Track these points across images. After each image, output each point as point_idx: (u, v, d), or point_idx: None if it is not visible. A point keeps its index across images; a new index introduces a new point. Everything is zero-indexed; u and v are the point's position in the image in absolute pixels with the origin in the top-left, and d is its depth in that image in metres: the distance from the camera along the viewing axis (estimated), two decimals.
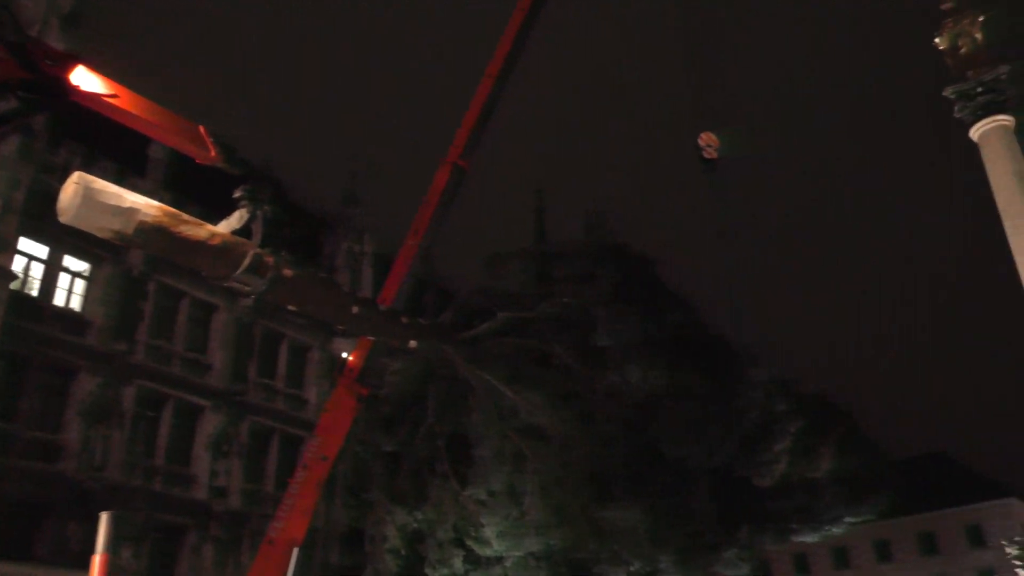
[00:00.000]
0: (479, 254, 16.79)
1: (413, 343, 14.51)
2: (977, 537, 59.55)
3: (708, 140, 20.48)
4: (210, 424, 26.84)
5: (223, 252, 9.98)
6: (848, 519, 18.23)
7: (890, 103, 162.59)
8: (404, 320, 14.77)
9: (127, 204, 8.60)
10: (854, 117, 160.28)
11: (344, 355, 16.74)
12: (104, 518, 9.87)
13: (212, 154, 10.23)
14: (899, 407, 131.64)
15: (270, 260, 10.82)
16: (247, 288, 12.72)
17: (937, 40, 25.18)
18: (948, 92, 24.68)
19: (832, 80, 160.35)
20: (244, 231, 10.67)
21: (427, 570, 14.74)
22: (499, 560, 14.41)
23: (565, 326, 14.09)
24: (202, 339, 27.72)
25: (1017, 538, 20.75)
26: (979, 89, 24.03)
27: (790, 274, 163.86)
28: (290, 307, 13.80)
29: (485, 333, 14.75)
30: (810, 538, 18.75)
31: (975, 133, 24.19)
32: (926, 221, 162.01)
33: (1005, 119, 23.96)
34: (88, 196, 8.18)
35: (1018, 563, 20.15)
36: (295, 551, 14.57)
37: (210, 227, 10.00)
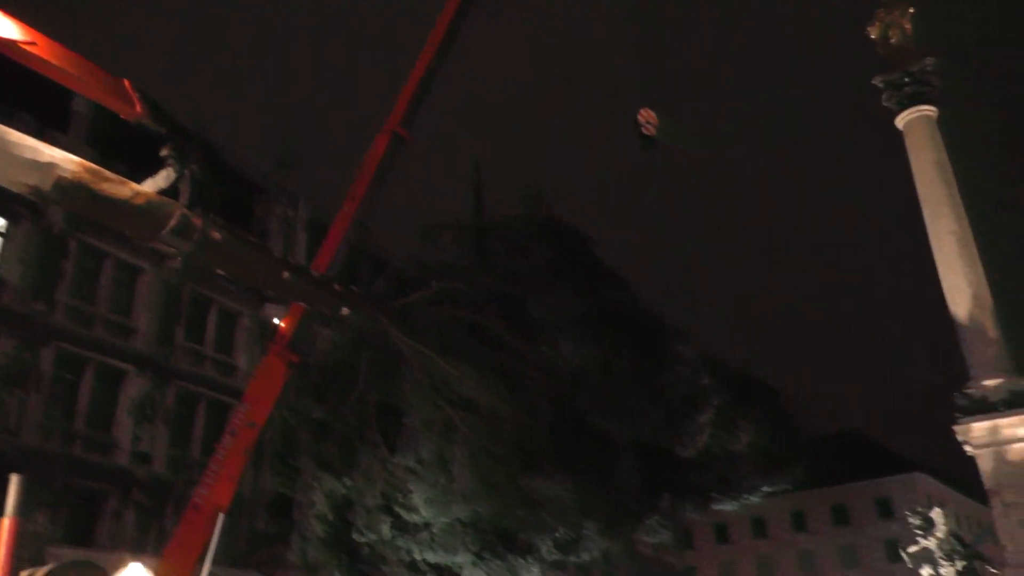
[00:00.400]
0: (416, 226, 16.72)
1: (345, 311, 14.40)
2: (886, 509, 62.64)
3: (647, 117, 20.67)
4: (133, 389, 26.16)
5: (148, 212, 9.71)
6: (765, 489, 19.03)
7: (830, 91, 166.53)
8: (337, 287, 14.63)
9: (45, 159, 8.27)
10: (793, 103, 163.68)
11: (275, 321, 16.50)
12: (14, 481, 9.59)
13: (137, 109, 9.89)
14: (819, 386, 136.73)
15: (198, 222, 10.57)
16: (173, 250, 12.42)
17: (869, 29, 25.91)
18: (877, 81, 25.44)
19: (772, 66, 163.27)
20: (171, 191, 10.38)
21: (354, 536, 14.80)
22: (426, 526, 14.56)
23: (499, 299, 14.19)
24: (126, 301, 26.91)
25: (919, 509, 21.91)
26: (906, 79, 24.83)
27: (721, 255, 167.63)
28: (219, 271, 13.54)
29: (418, 303, 14.73)
30: (729, 507, 19.49)
31: (900, 122, 25.04)
32: (857, 208, 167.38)
33: (929, 109, 24.85)
34: (2, 149, 7.83)
35: (919, 532, 21.27)
36: (220, 517, 14.42)
37: (134, 185, 9.69)
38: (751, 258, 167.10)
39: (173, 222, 9.96)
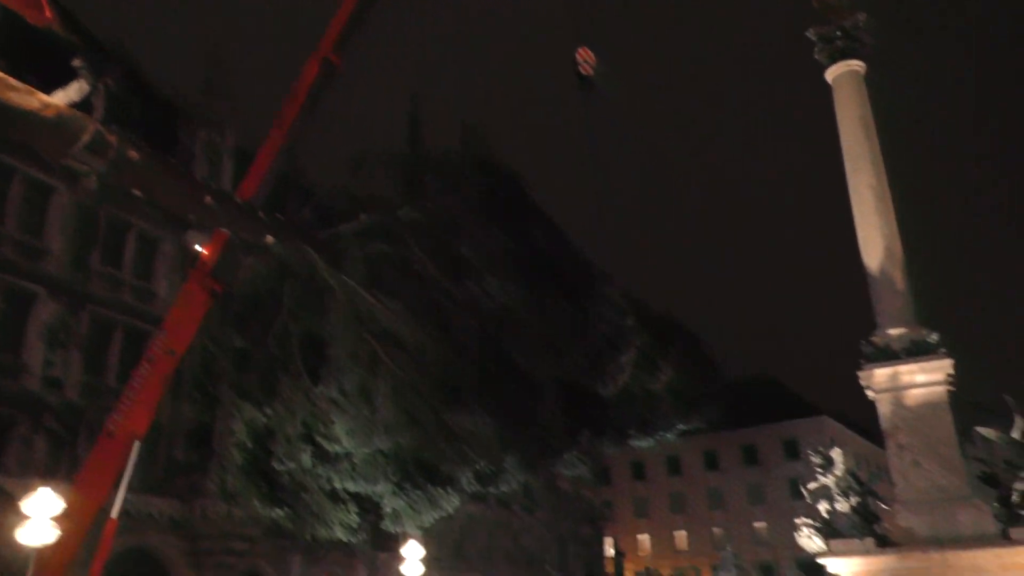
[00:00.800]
0: (347, 158, 16.31)
1: (270, 239, 14.13)
2: (793, 450, 65.94)
3: (585, 56, 20.49)
4: (45, 312, 25.24)
5: (58, 125, 9.22)
6: (681, 427, 19.80)
7: (771, 43, 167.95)
8: (261, 215, 14.32)
9: None
10: (732, 54, 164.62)
11: (197, 248, 16.04)
12: None
13: (46, 15, 9.31)
14: (734, 332, 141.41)
15: (113, 139, 10.12)
16: (87, 168, 11.93)
17: None
18: (810, 33, 25.74)
19: (711, 17, 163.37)
20: (84, 106, 9.89)
21: (274, 464, 14.82)
22: (347, 456, 14.67)
23: (428, 234, 14.10)
24: (37, 222, 25.74)
25: (821, 449, 23.08)
26: (838, 33, 25.13)
27: (647, 200, 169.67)
28: (136, 192, 13.06)
29: (346, 235, 14.55)
30: (645, 444, 20.21)
31: (830, 76, 25.46)
32: (785, 159, 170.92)
33: (857, 64, 25.28)
34: None
35: (819, 470, 22.44)
36: (136, 444, 14.23)
37: (43, 96, 9.18)
38: (676, 204, 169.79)
39: (86, 138, 9.49)
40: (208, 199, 13.53)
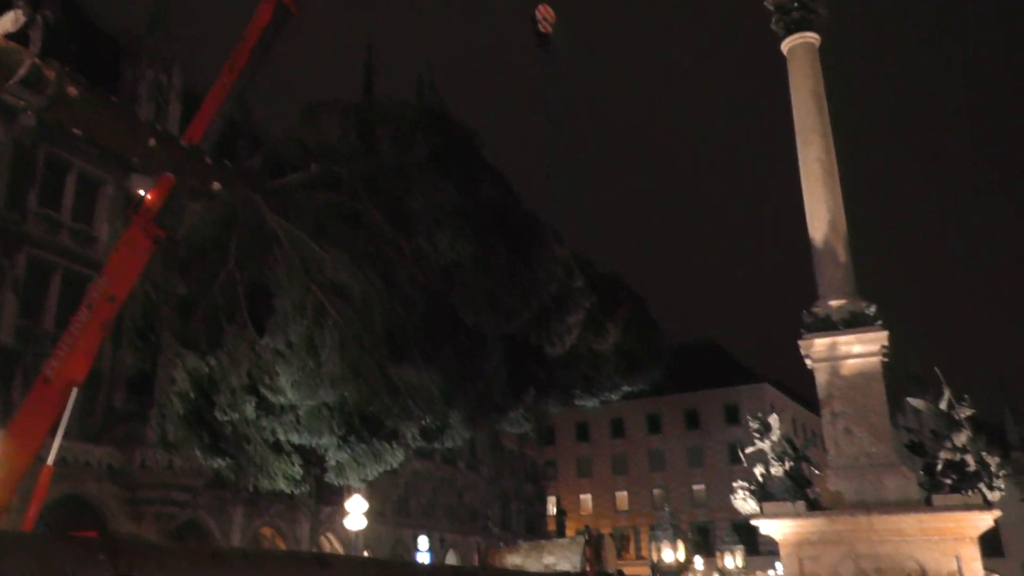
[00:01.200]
0: (298, 106, 15.93)
1: (217, 186, 13.81)
2: (733, 415, 67.75)
3: (545, 13, 20.32)
4: None
5: None
6: (625, 388, 20.12)
7: (730, 11, 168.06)
8: (208, 160, 13.96)
9: None
10: (694, 21, 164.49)
11: (141, 193, 15.60)
12: None
13: None
14: (680, 299, 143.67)
15: (51, 74, 9.73)
16: (23, 103, 11.49)
17: None
18: (768, 3, 25.83)
19: None
20: (20, 38, 9.47)
21: (217, 414, 14.63)
22: (292, 409, 14.57)
23: (378, 186, 13.92)
24: None
25: (760, 415, 23.76)
26: (795, 4, 25.29)
27: (599, 162, 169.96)
28: (76, 131, 12.61)
29: (295, 185, 14.28)
30: (590, 404, 20.52)
31: (785, 47, 25.67)
32: (739, 128, 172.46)
33: (812, 36, 25.52)
34: None
35: (757, 435, 23.12)
36: (74, 391, 13.95)
37: None
38: (626, 169, 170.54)
39: (22, 71, 9.10)
40: (152, 141, 13.13)
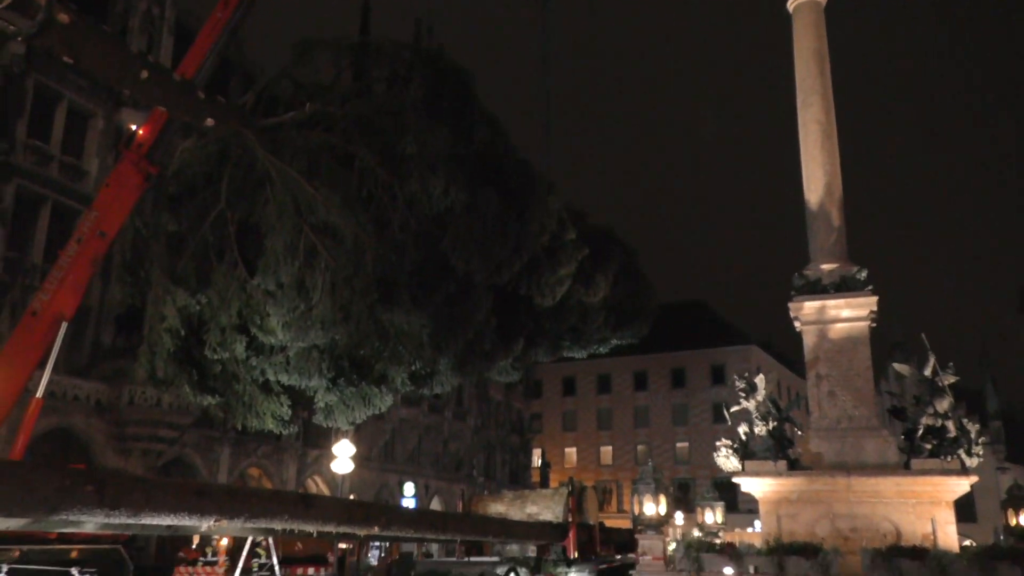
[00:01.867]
0: (293, 43, 15.58)
1: (210, 121, 13.57)
2: (719, 376, 68.30)
3: None
4: None
5: None
6: (613, 341, 20.25)
7: None
8: (201, 95, 13.69)
9: None
10: None
11: (133, 128, 15.36)
12: None
13: None
14: (671, 259, 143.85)
15: None
16: (12, 28, 11.22)
17: None
18: None
19: None
20: None
21: (207, 352, 14.64)
22: (282, 350, 14.59)
23: (372, 128, 13.72)
24: None
25: (746, 375, 23.95)
26: None
27: (599, 117, 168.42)
28: (66, 59, 12.30)
29: (288, 124, 14.06)
30: (578, 354, 20.65)
31: (791, 4, 25.28)
32: (741, 88, 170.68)
33: None
34: None
35: (742, 394, 23.32)
36: (63, 325, 13.90)
37: None
38: (620, 127, 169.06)
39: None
40: (144, 73, 12.83)
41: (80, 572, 14.18)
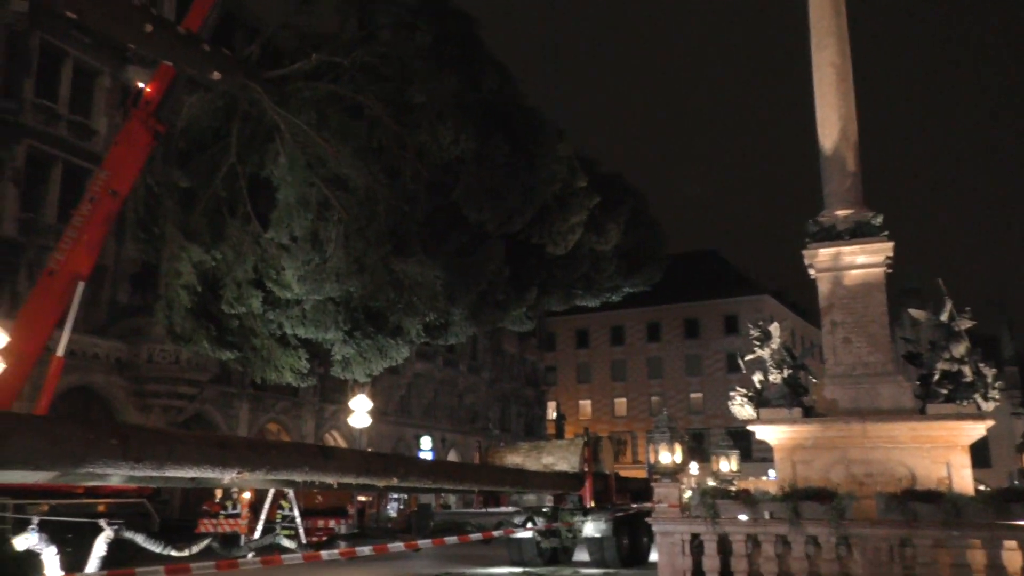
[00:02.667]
0: None
1: (216, 75, 13.44)
2: (732, 326, 68.24)
3: None
4: None
5: None
6: (626, 289, 20.20)
7: None
8: (205, 48, 13.54)
9: None
10: None
11: (140, 85, 15.27)
12: None
13: None
14: (683, 208, 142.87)
15: None
16: None
17: None
18: None
19: None
20: None
21: (223, 307, 14.75)
22: (298, 303, 14.66)
23: (380, 78, 13.56)
24: None
25: (760, 322, 23.84)
26: None
27: (606, 64, 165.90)
28: (69, 14, 12.16)
29: (295, 74, 13.90)
30: (591, 302, 20.64)
31: None
32: (750, 32, 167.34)
33: None
34: None
35: (756, 343, 23.25)
36: (80, 285, 14.01)
37: None
38: (630, 72, 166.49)
39: None
40: (148, 27, 12.68)
41: (108, 524, 14.47)
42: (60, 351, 14.06)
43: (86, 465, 7.33)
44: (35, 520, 13.23)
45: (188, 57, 13.35)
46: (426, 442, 46.91)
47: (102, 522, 14.53)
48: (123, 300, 28.69)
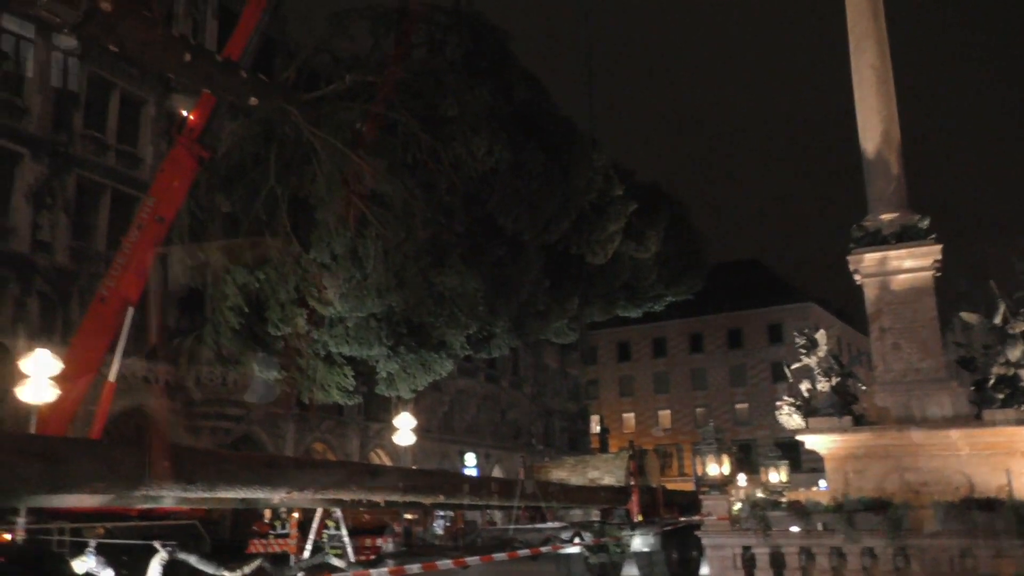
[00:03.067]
0: (330, 14, 15.58)
1: (253, 100, 13.72)
2: (777, 335, 67.17)
3: None
4: (30, 174, 24.84)
5: None
6: (668, 298, 20.04)
7: None
8: (243, 75, 13.83)
9: None
10: None
11: (184, 113, 15.64)
12: None
13: None
14: (725, 217, 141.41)
15: None
16: (58, 19, 11.48)
17: None
18: None
19: None
20: None
21: (270, 328, 14.98)
22: (341, 321, 14.82)
23: (413, 94, 13.71)
24: (15, 79, 24.91)
25: (806, 330, 23.41)
26: None
27: (645, 72, 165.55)
28: (112, 47, 12.52)
29: (330, 96, 14.13)
30: (633, 312, 20.50)
31: None
32: (788, 35, 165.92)
33: None
34: None
35: (802, 351, 22.80)
36: (130, 311, 14.32)
37: None
38: (668, 81, 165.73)
39: None
40: (188, 56, 13.01)
41: (162, 546, 14.70)
42: (112, 376, 14.35)
43: (141, 488, 7.47)
44: (92, 543, 13.48)
45: (227, 84, 13.64)
46: (470, 459, 46.89)
47: (156, 544, 14.75)
48: (170, 323, 29.26)
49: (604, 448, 64.04)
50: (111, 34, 12.06)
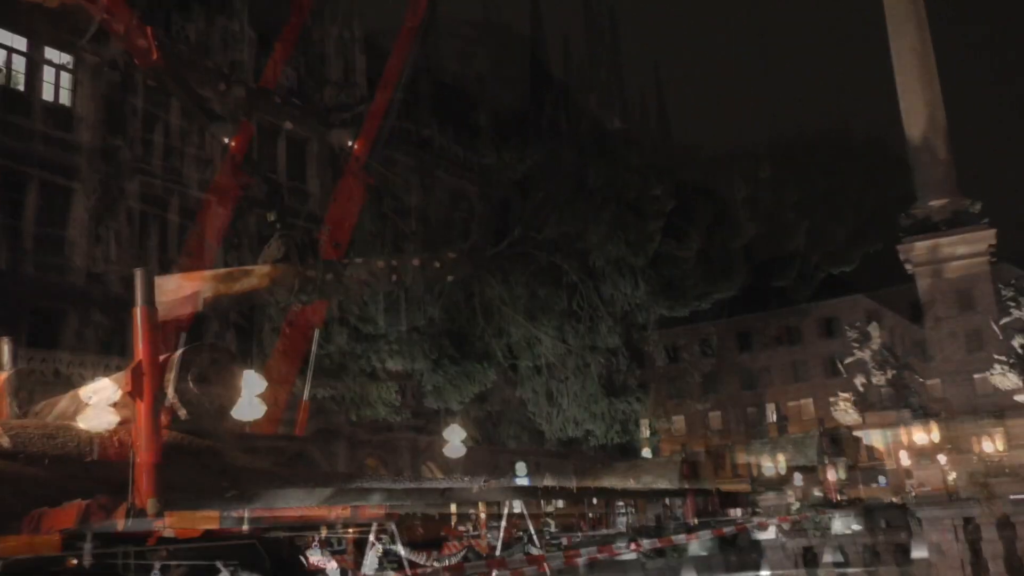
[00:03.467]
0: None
1: (289, 124, 14.05)
2: (830, 328, 65.64)
3: None
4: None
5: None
6: (714, 295, 19.79)
7: None
8: (276, 100, 14.11)
9: None
10: None
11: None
12: None
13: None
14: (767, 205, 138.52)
15: (119, 28, 9.93)
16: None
17: None
18: None
19: None
20: None
21: (314, 347, 15.23)
22: (384, 336, 14.94)
23: (444, 107, 13.82)
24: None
25: (858, 324, 22.96)
26: None
27: (681, 64, 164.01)
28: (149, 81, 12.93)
29: (362, 114, 14.31)
30: (679, 312, 20.29)
31: None
32: (827, 23, 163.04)
33: None
34: None
35: (856, 345, 22.35)
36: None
37: None
38: (706, 71, 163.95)
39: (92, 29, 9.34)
40: (222, 85, 13.41)
41: (224, 566, 14.96)
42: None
43: (201, 508, 7.55)
44: (157, 566, 13.79)
45: (264, 108, 13.91)
46: (521, 468, 46.75)
47: (219, 563, 15.02)
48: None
49: (655, 451, 63.28)
50: (163, 80, 12.42)
